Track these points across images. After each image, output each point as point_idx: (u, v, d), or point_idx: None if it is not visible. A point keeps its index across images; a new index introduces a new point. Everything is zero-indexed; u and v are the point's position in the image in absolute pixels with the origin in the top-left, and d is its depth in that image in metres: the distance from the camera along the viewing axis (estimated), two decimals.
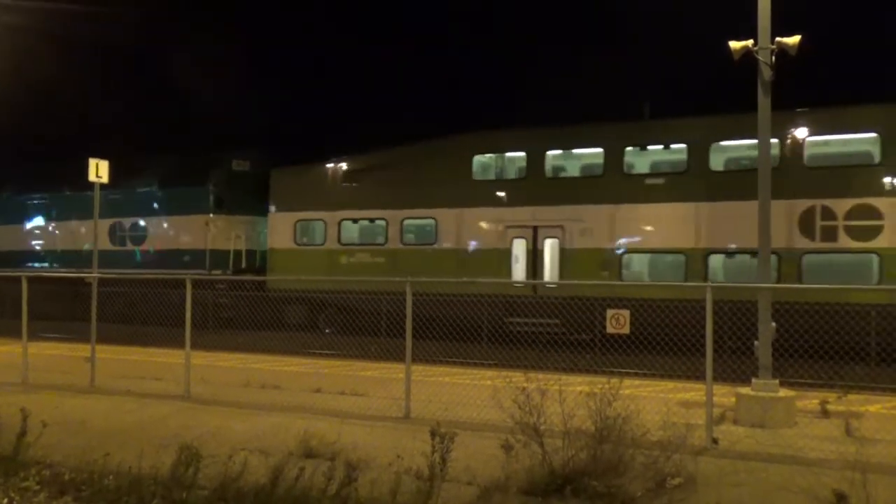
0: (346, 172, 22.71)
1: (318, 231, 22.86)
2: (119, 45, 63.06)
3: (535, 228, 19.91)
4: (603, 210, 19.17)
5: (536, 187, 20.06)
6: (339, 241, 22.38)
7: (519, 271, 20.15)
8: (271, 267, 23.33)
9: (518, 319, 18.59)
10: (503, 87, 65.55)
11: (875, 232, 16.66)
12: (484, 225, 20.57)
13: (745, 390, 9.68)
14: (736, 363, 11.49)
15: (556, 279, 19.60)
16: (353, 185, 22.47)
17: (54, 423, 8.18)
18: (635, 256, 19.27)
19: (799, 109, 17.98)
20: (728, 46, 10.17)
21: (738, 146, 18.73)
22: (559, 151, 20.56)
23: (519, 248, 20.19)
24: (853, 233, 16.89)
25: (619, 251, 19.06)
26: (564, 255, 19.58)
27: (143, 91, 62.14)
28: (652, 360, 12.92)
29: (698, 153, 18.51)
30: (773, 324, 9.86)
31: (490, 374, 11.92)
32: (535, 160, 20.29)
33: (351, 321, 17.51)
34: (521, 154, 20.77)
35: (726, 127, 18.35)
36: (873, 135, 17.15)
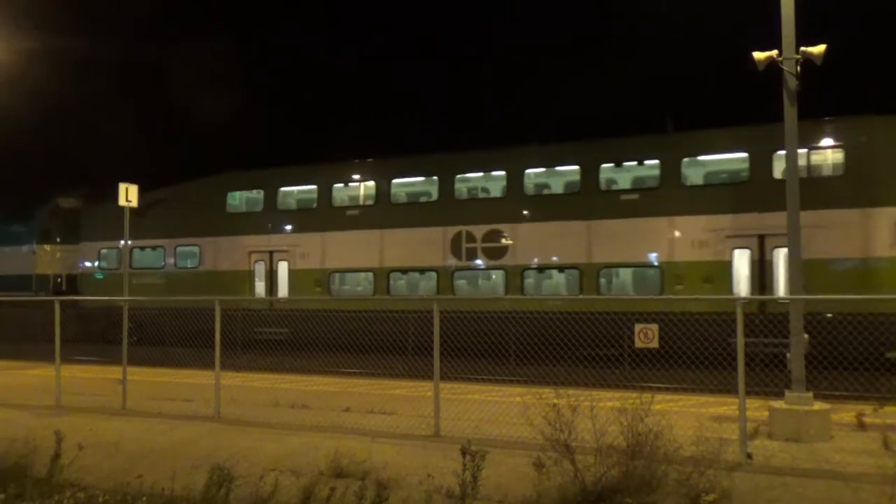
0: (137, 207, 25.40)
1: (115, 257, 26.63)
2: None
3: (272, 253, 23.73)
4: (316, 237, 23.03)
5: (272, 218, 24.05)
6: (131, 265, 25.45)
7: (260, 289, 23.85)
8: (81, 288, 27.15)
9: (262, 329, 21.50)
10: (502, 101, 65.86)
11: (502, 252, 20.27)
12: (234, 250, 24.30)
13: (778, 404, 9.50)
14: (769, 376, 11.33)
15: (286, 295, 23.08)
16: (141, 218, 25.58)
17: (88, 445, 8.28)
18: (338, 275, 22.91)
19: (452, 152, 22.30)
20: (752, 56, 10.11)
21: (413, 182, 22.89)
22: (287, 189, 24.53)
23: (260, 269, 23.99)
24: (487, 253, 20.52)
25: (327, 270, 22.74)
26: (291, 275, 23.29)
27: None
28: (683, 375, 12.78)
29: (383, 189, 22.46)
30: (806, 335, 9.71)
31: (519, 391, 11.78)
32: (271, 196, 24.30)
33: (149, 332, 18.88)
34: (261, 190, 24.67)
35: (403, 167, 22.84)
36: (502, 173, 20.98)
